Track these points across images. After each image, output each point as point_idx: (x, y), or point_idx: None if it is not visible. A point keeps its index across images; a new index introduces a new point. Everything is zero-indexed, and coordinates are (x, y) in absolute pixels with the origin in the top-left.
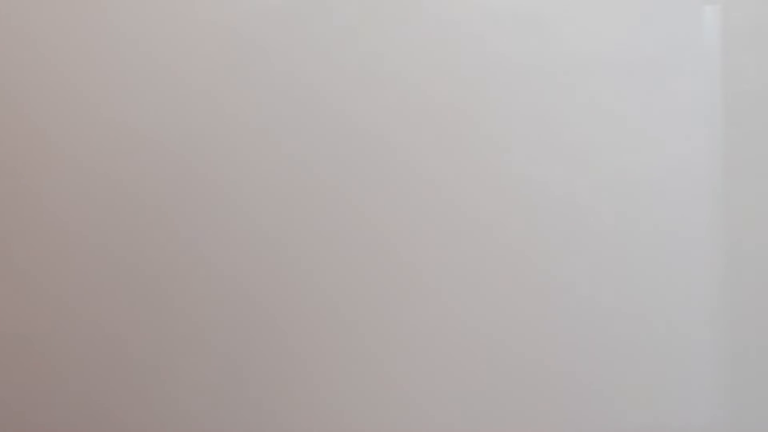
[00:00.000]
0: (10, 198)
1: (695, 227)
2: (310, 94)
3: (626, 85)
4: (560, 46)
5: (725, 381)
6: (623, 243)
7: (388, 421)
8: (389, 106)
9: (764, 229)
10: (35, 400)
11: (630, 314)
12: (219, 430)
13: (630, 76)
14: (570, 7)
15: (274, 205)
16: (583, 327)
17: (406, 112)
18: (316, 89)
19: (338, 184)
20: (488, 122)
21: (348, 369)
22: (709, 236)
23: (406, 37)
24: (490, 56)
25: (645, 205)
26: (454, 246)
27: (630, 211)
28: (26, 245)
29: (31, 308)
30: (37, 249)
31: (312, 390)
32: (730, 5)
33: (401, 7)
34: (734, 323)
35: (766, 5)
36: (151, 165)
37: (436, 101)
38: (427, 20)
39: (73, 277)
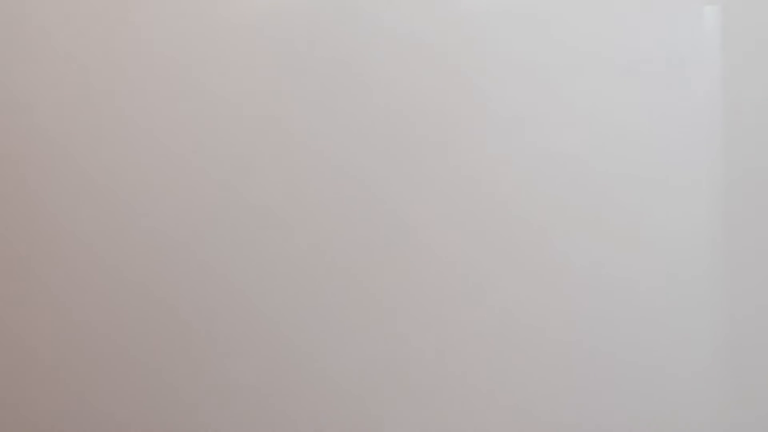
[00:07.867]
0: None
1: (695, 227)
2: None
3: (625, 85)
4: (558, 46)
5: (725, 382)
6: (622, 242)
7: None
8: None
9: (765, 230)
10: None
11: (629, 317)
12: None
13: (629, 76)
14: (568, 6)
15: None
16: (583, 329)
17: (402, 109)
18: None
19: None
20: (482, 121)
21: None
22: (709, 235)
23: (405, 34)
24: (486, 55)
25: (644, 206)
26: (450, 251)
27: (629, 212)
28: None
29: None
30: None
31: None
32: (730, 5)
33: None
34: (734, 324)
35: (766, 5)
36: (159, 168)
37: (430, 99)
38: (427, 18)
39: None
